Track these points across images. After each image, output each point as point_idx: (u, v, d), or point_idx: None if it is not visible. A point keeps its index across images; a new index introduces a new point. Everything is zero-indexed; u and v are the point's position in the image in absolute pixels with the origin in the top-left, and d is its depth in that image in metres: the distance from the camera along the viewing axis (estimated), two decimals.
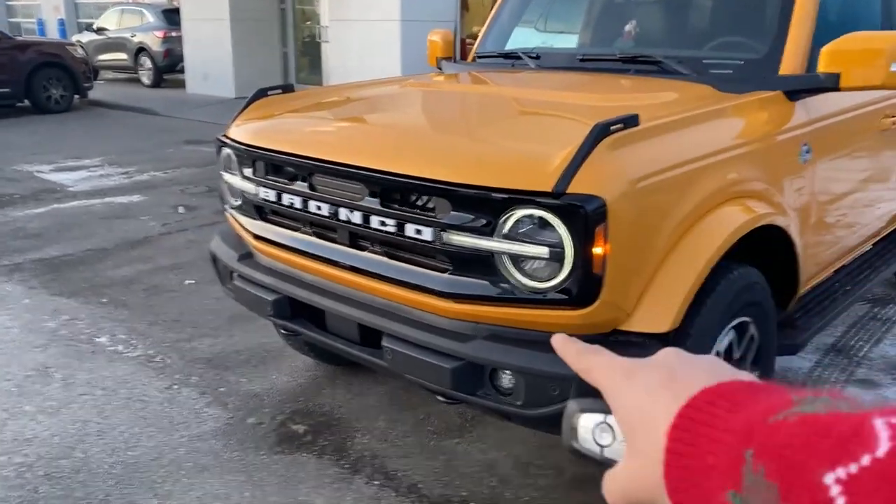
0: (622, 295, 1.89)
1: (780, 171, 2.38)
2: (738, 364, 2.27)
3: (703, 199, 2.04)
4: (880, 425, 0.33)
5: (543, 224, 1.84)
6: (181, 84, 14.61)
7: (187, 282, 4.43)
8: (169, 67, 15.35)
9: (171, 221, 5.76)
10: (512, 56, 3.29)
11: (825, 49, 2.43)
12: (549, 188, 1.80)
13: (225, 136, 2.66)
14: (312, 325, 2.40)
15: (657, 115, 2.11)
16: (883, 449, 0.32)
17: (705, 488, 0.40)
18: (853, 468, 0.32)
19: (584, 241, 1.79)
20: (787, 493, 0.34)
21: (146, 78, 15.65)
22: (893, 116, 3.07)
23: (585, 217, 1.77)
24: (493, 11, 3.60)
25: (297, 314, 2.42)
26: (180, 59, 14.60)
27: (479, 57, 3.49)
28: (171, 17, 15.08)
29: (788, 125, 2.45)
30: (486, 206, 1.89)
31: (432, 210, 2.00)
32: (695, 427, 0.42)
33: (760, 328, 2.32)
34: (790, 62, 2.59)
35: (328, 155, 2.21)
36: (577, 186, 1.79)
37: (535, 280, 1.89)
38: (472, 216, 1.92)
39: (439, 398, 2.20)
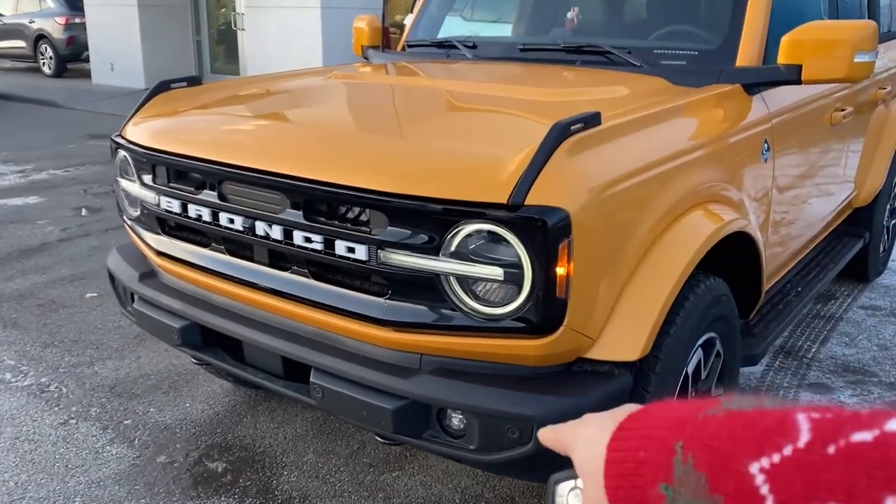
0: (587, 319, 1.65)
1: (745, 170, 2.20)
2: (703, 384, 2.08)
3: (671, 206, 1.83)
4: (802, 419, 0.36)
5: (497, 240, 1.59)
6: (86, 74, 13.70)
7: (89, 295, 3.99)
8: (72, 56, 14.40)
9: (71, 226, 5.25)
10: (446, 45, 3.02)
11: (785, 39, 2.27)
12: (503, 199, 1.54)
13: (120, 135, 2.30)
14: (227, 355, 2.08)
15: (616, 112, 1.88)
16: (804, 439, 0.34)
17: (639, 486, 0.42)
18: (776, 458, 0.34)
19: (545, 261, 1.54)
20: (714, 482, 0.36)
21: (47, 67, 14.65)
22: (844, 110, 2.95)
23: (547, 232, 1.52)
24: None
25: (209, 343, 2.10)
26: (85, 47, 13.67)
27: (410, 46, 3.20)
28: (74, 1, 14.09)
29: (751, 121, 2.28)
30: (430, 220, 1.62)
31: (366, 224, 1.72)
32: (630, 434, 0.45)
33: (726, 343, 2.13)
34: (747, 53, 2.41)
35: (241, 160, 1.89)
36: (535, 197, 1.54)
37: (487, 305, 1.63)
38: (412, 232, 1.64)
39: (378, 438, 1.92)
